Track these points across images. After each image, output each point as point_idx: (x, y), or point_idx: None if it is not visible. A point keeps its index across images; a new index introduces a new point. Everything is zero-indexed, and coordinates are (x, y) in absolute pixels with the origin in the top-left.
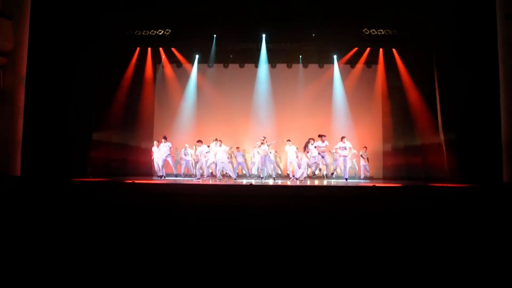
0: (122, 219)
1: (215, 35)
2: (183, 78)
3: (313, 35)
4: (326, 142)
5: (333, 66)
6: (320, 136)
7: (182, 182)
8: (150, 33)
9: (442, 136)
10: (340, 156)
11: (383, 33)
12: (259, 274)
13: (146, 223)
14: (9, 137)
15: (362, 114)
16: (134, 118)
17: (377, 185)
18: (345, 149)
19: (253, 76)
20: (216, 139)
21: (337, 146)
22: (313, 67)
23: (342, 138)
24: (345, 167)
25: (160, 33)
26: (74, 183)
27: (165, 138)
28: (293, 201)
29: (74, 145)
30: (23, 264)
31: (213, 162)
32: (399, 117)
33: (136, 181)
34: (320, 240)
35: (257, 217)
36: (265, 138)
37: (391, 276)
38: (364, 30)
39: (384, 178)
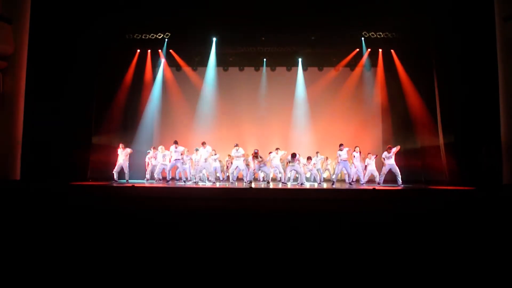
0: (121, 223)
1: (214, 39)
2: (183, 81)
3: (313, 38)
4: (345, 150)
5: (332, 69)
6: (339, 145)
7: (181, 186)
8: (149, 36)
9: (441, 139)
10: (384, 165)
11: (382, 36)
12: (259, 281)
13: (146, 227)
14: (9, 141)
15: (362, 117)
16: (133, 121)
17: (377, 188)
18: (390, 158)
19: (253, 79)
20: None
21: (383, 155)
22: (313, 70)
23: (389, 148)
24: (395, 173)
25: (160, 37)
26: (74, 186)
27: (176, 142)
28: (292, 205)
29: (74, 148)
30: (21, 267)
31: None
32: (398, 120)
33: (136, 185)
34: (320, 244)
35: (256, 221)
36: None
37: (391, 279)
38: (363, 33)
39: (384, 181)
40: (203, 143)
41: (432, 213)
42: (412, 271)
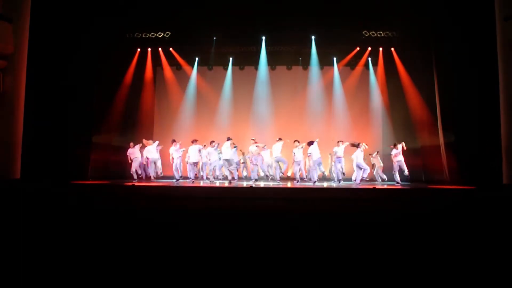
0: (121, 222)
1: (214, 38)
2: (183, 80)
3: (313, 37)
4: (342, 147)
5: (332, 68)
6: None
7: (182, 184)
8: (150, 35)
9: (441, 138)
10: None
11: (382, 35)
12: (258, 281)
13: (146, 226)
14: (9, 140)
15: (362, 116)
16: (134, 120)
17: (377, 187)
18: (399, 154)
19: (253, 78)
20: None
21: (392, 152)
22: (313, 69)
23: (395, 145)
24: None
25: (160, 36)
26: (74, 185)
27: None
28: (292, 204)
29: (74, 147)
30: (21, 266)
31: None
32: (399, 119)
33: (136, 184)
34: (321, 244)
35: (255, 220)
36: (254, 139)
37: (391, 279)
38: (363, 32)
39: (384, 180)
40: (212, 142)
41: (432, 212)
42: (412, 270)
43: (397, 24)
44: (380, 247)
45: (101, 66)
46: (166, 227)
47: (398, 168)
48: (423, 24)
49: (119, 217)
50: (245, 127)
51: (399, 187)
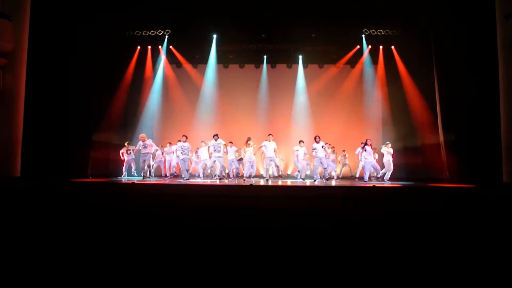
0: (121, 220)
1: (215, 36)
2: (183, 78)
3: (313, 35)
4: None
5: (333, 66)
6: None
7: (182, 183)
8: (150, 33)
9: (442, 137)
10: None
11: (383, 33)
12: (257, 279)
13: (145, 225)
14: (9, 138)
15: (362, 114)
16: (134, 118)
17: (377, 185)
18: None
19: (253, 76)
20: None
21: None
22: (313, 67)
23: (387, 144)
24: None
25: (160, 33)
26: (74, 183)
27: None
28: (292, 202)
29: (74, 145)
30: (22, 264)
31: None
32: (399, 117)
33: (136, 182)
34: (321, 243)
35: (256, 219)
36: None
37: (390, 278)
38: (364, 30)
39: (389, 178)
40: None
41: (432, 211)
42: (412, 269)
43: (397, 23)
44: (380, 245)
45: (101, 63)
46: (165, 225)
47: (369, 166)
48: (424, 22)
49: (119, 215)
50: (244, 125)
51: (399, 185)
